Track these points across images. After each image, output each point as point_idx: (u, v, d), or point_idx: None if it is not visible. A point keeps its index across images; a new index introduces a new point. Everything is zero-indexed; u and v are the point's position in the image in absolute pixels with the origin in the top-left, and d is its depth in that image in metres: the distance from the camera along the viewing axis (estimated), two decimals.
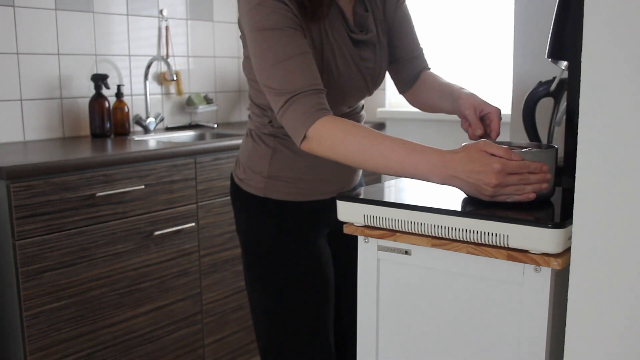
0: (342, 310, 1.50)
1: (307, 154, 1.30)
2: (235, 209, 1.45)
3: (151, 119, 2.68)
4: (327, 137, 1.09)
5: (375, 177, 3.08)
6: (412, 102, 1.53)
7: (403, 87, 1.52)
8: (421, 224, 1.04)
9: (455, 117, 1.37)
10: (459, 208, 1.05)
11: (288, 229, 1.37)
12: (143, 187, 2.03)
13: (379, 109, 3.11)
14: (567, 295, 0.91)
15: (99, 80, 2.44)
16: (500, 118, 1.24)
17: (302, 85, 1.09)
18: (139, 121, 2.65)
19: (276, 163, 1.35)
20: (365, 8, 1.35)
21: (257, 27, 1.13)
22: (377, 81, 1.39)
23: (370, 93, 1.39)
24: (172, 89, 2.85)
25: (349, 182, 1.43)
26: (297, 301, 1.38)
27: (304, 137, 1.11)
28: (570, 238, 0.92)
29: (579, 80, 0.85)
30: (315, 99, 1.10)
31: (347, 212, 1.14)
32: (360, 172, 1.49)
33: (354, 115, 1.41)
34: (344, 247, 1.44)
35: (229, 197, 2.30)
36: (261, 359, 1.45)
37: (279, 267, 1.38)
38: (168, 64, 2.66)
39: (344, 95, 1.32)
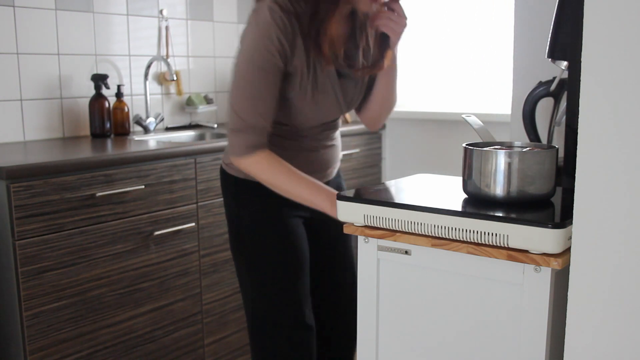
0: (323, 295, 1.61)
1: (296, 151, 1.48)
2: (224, 195, 1.56)
3: (151, 119, 2.68)
4: (255, 169, 1.40)
5: (375, 177, 3.08)
6: (362, 117, 1.62)
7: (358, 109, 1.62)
8: (421, 224, 1.04)
9: (455, 117, 1.38)
10: (459, 208, 1.05)
11: (269, 205, 1.47)
12: (143, 187, 2.03)
13: None
14: (567, 295, 0.91)
15: (99, 80, 2.44)
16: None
17: (257, 122, 1.35)
18: (139, 121, 2.65)
19: None
20: (356, 44, 1.46)
21: (250, 58, 1.33)
22: (352, 107, 1.53)
23: (343, 115, 1.54)
24: (172, 89, 2.85)
25: (329, 174, 1.57)
26: (272, 272, 1.48)
27: (240, 158, 1.38)
28: (570, 238, 0.92)
29: (579, 80, 0.85)
30: (260, 138, 1.37)
31: (347, 212, 1.14)
32: (337, 166, 1.61)
33: (327, 128, 1.51)
34: (324, 233, 1.57)
35: None
36: (248, 333, 1.55)
37: (257, 240, 1.49)
38: (168, 64, 2.65)
39: (319, 118, 1.46)
